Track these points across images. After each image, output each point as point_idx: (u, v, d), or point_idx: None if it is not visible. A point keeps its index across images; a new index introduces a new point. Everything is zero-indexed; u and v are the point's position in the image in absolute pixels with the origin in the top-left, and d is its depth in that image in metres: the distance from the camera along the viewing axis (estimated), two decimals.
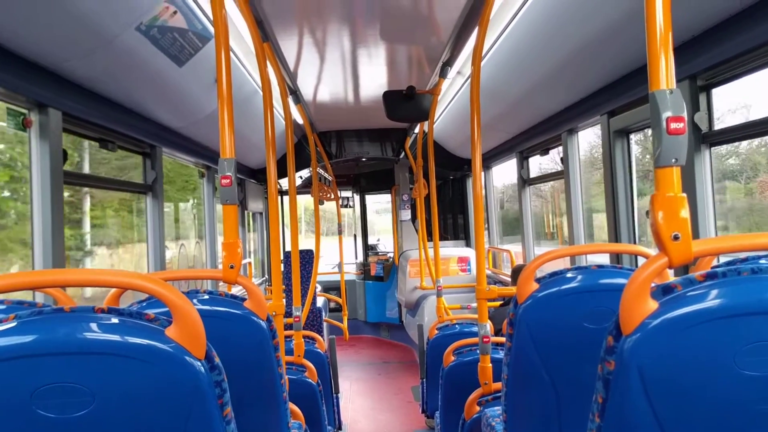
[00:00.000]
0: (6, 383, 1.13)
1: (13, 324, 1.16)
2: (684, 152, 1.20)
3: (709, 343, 1.08)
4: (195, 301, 1.96)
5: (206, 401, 1.21)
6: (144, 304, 1.98)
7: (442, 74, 4.10)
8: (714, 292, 1.10)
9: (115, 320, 1.20)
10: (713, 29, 2.49)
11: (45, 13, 2.31)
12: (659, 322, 1.09)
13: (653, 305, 1.12)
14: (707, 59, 2.57)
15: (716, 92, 2.75)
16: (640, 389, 1.09)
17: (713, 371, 1.08)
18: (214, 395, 1.22)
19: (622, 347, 1.11)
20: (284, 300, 2.84)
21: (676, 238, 1.17)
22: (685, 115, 1.20)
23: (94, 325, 1.18)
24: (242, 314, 1.97)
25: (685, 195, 1.20)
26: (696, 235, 2.72)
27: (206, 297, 2.00)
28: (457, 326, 4.53)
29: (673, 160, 1.20)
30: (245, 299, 2.01)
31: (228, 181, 1.99)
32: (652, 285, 1.15)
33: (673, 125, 1.20)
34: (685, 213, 1.18)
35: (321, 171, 8.20)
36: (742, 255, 1.65)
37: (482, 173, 3.01)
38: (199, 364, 1.20)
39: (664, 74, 1.22)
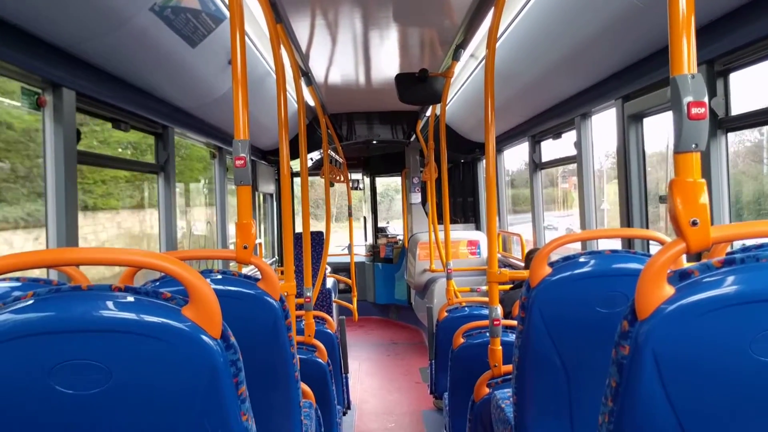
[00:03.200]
0: (24, 360, 1.14)
1: (31, 301, 1.18)
2: (704, 138, 1.19)
3: (725, 329, 1.08)
4: (209, 280, 1.97)
5: (222, 380, 1.22)
6: (158, 283, 2.00)
7: (455, 57, 4.07)
8: (731, 279, 1.10)
9: (131, 299, 1.21)
10: (732, 14, 2.45)
11: None
12: (675, 307, 1.09)
13: (670, 290, 1.11)
14: (725, 44, 2.53)
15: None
16: (655, 374, 1.09)
17: (729, 357, 1.08)
18: (229, 374, 1.23)
19: (637, 332, 1.11)
20: (295, 281, 2.85)
21: (694, 223, 1.17)
22: (706, 100, 1.19)
23: (110, 303, 1.19)
24: (256, 294, 1.98)
25: (704, 180, 1.19)
26: (711, 221, 2.71)
27: (220, 277, 2.01)
28: (466, 309, 4.55)
29: (693, 146, 1.19)
30: (258, 279, 2.02)
31: (242, 162, 1.99)
32: (669, 270, 1.14)
33: (694, 110, 1.19)
34: (704, 199, 1.17)
35: (332, 153, 8.19)
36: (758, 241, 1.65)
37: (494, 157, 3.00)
38: (215, 343, 1.21)
39: (686, 59, 1.20)
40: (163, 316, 1.19)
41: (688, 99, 1.19)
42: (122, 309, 1.19)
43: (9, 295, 1.22)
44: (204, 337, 1.20)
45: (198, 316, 1.21)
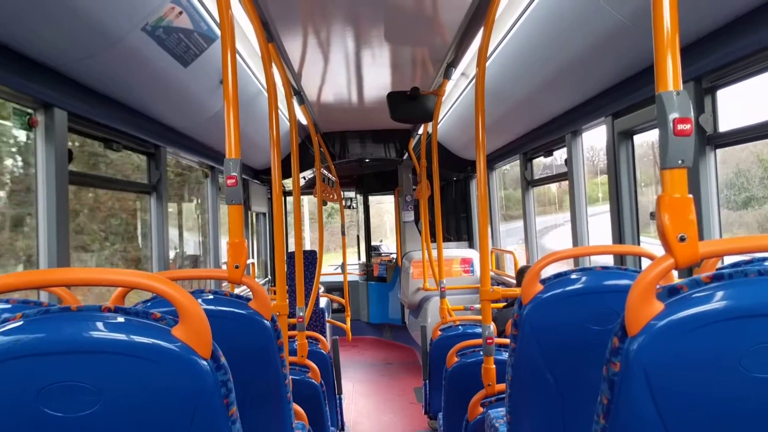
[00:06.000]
0: (13, 382, 1.13)
1: (20, 323, 1.17)
2: (691, 153, 1.20)
3: (715, 345, 1.08)
4: (200, 300, 1.96)
5: (212, 401, 1.21)
6: (149, 303, 1.98)
7: (447, 75, 4.09)
8: (720, 294, 1.10)
9: (121, 319, 1.21)
10: (718, 31, 2.48)
11: (51, 14, 2.31)
12: (665, 323, 1.09)
13: (659, 306, 1.11)
14: (712, 61, 2.56)
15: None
16: (646, 391, 1.09)
17: (719, 373, 1.07)
18: (219, 395, 1.22)
19: (627, 348, 1.11)
20: (287, 300, 2.83)
21: (682, 239, 1.17)
22: (692, 116, 1.20)
23: (100, 324, 1.19)
24: (247, 314, 1.97)
25: (691, 196, 1.20)
26: (700, 236, 2.72)
27: (211, 297, 2.00)
28: (460, 327, 4.53)
29: (680, 162, 1.20)
30: (250, 299, 2.01)
31: (233, 181, 1.99)
32: (658, 286, 1.15)
33: (679, 126, 1.20)
34: (692, 214, 1.18)
35: (324, 172, 8.19)
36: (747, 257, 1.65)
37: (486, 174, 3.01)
38: (205, 363, 1.20)
39: (671, 75, 1.21)
40: (152, 336, 1.19)
41: (673, 115, 1.20)
42: (112, 330, 1.19)
43: None
44: (194, 358, 1.19)
45: (188, 336, 1.20)
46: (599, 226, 4.33)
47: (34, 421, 1.14)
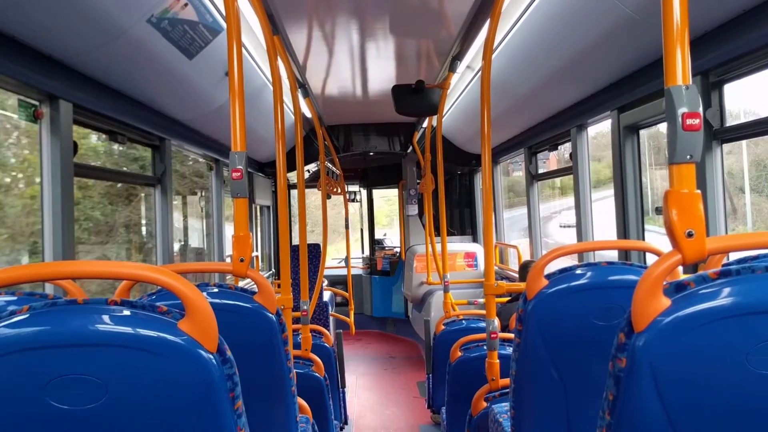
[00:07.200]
0: (20, 374, 1.13)
1: (27, 315, 1.17)
2: (699, 148, 1.19)
3: (721, 341, 1.07)
4: (205, 294, 1.96)
5: (218, 394, 1.21)
6: (154, 296, 1.99)
7: (452, 68, 4.08)
8: (727, 290, 1.10)
9: (127, 312, 1.21)
10: (726, 25, 2.47)
11: (57, 6, 2.31)
12: (672, 319, 1.09)
13: (666, 302, 1.11)
14: (719, 55, 2.55)
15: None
16: (652, 387, 1.09)
17: (726, 369, 1.07)
18: (225, 388, 1.23)
19: (633, 344, 1.11)
20: (292, 294, 2.83)
21: (690, 235, 1.16)
22: (701, 111, 1.19)
23: (106, 317, 1.19)
24: (252, 308, 1.97)
25: (699, 192, 1.19)
26: (707, 232, 2.71)
27: (216, 290, 2.00)
28: (463, 322, 4.53)
29: (688, 157, 1.19)
30: (255, 293, 2.01)
31: (239, 174, 1.99)
32: (665, 282, 1.14)
33: (688, 121, 1.19)
34: (699, 210, 1.17)
35: (329, 165, 8.19)
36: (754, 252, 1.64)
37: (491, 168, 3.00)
38: (211, 357, 1.20)
39: (680, 70, 1.21)
40: (158, 329, 1.19)
41: (682, 110, 1.19)
42: (118, 323, 1.19)
43: (5, 310, 1.21)
44: (200, 351, 1.19)
45: (194, 329, 1.20)
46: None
47: (41, 414, 1.14)
